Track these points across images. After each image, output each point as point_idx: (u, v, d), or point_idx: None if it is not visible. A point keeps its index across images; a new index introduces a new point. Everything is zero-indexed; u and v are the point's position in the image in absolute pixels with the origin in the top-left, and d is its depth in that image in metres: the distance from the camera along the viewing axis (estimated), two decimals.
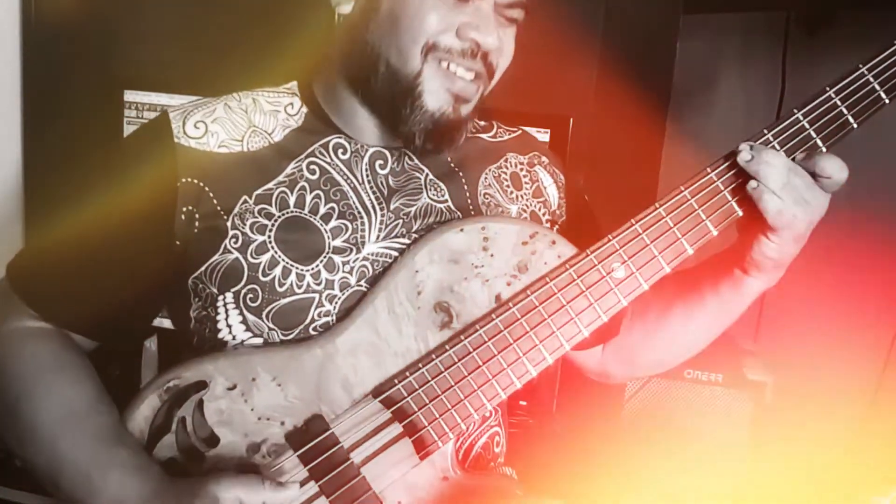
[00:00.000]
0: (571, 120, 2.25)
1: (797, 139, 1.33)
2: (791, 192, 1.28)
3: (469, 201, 1.52)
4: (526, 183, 1.59)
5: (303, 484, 1.32)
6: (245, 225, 1.39)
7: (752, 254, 1.36)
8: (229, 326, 1.40)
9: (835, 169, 1.29)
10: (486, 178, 1.55)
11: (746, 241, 1.36)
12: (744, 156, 1.30)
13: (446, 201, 1.50)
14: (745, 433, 2.42)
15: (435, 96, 1.38)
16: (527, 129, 1.74)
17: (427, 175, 1.50)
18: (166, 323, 2.14)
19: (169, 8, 2.56)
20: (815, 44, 2.60)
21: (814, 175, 1.30)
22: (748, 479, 2.40)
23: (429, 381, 1.34)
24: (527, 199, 1.58)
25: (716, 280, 1.46)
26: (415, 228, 1.46)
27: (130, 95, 2.43)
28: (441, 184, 1.51)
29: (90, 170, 1.50)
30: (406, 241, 1.44)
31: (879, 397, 2.68)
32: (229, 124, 1.44)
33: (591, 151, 2.35)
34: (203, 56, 2.51)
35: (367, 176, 1.46)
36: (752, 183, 1.30)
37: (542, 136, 2.24)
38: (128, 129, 2.44)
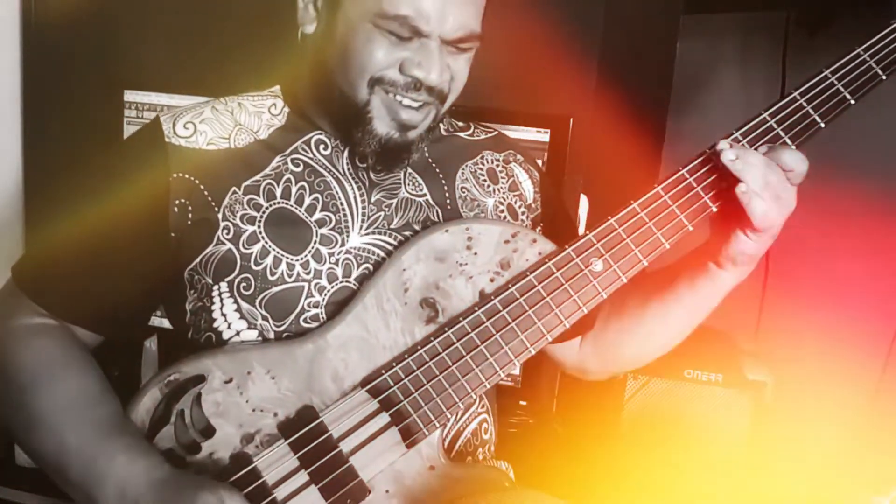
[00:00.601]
0: (571, 120, 2.25)
1: (766, 138, 1.38)
2: (769, 191, 1.32)
3: (447, 195, 1.56)
4: (502, 178, 1.63)
5: (293, 473, 1.35)
6: (235, 216, 1.44)
7: (727, 250, 1.40)
8: (224, 315, 1.44)
9: (796, 161, 1.34)
10: (462, 173, 1.60)
11: (721, 238, 1.40)
12: (728, 155, 1.33)
13: (425, 195, 1.55)
14: (745, 433, 2.41)
15: (382, 123, 1.42)
16: (527, 129, 1.76)
17: (406, 170, 1.55)
18: (166, 323, 2.15)
19: (169, 8, 2.57)
20: (815, 44, 2.60)
21: None
22: (748, 478, 2.39)
23: (414, 371, 1.38)
24: (503, 193, 1.62)
25: (691, 275, 1.50)
26: (395, 222, 1.51)
27: (130, 95, 2.44)
28: (419, 178, 1.56)
29: (88, 172, 1.54)
30: (388, 238, 1.49)
31: (879, 397, 2.67)
32: (216, 124, 1.50)
33: (591, 151, 2.35)
34: (203, 56, 2.52)
35: (349, 169, 1.51)
36: (742, 186, 1.32)
37: (542, 136, 2.24)
38: (128, 129, 2.44)
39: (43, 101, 2.69)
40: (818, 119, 1.37)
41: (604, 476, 2.46)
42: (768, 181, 1.32)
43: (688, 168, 1.39)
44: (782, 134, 1.37)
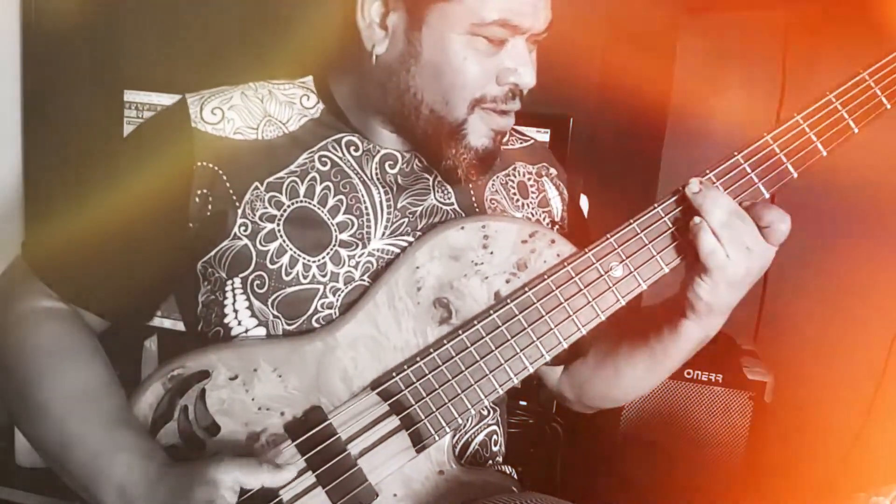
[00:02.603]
0: (571, 120, 2.25)
1: (739, 182, 1.32)
2: (730, 234, 1.27)
3: (475, 205, 1.53)
4: (533, 192, 1.61)
5: (300, 474, 1.33)
6: (255, 214, 1.41)
7: (686, 292, 1.33)
8: (235, 311, 1.42)
9: (774, 217, 1.28)
10: (493, 184, 1.56)
11: (686, 281, 1.34)
12: (692, 187, 1.30)
13: (452, 204, 1.51)
14: (745, 433, 2.42)
15: (478, 136, 1.40)
16: (528, 129, 1.75)
17: (436, 177, 1.51)
18: (167, 323, 2.14)
19: (169, 8, 2.57)
20: (815, 44, 2.60)
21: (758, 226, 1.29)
22: (748, 478, 2.40)
23: (426, 375, 1.35)
24: (532, 208, 1.59)
25: (659, 323, 1.43)
26: (420, 227, 1.47)
27: (130, 95, 2.45)
28: (448, 186, 1.51)
29: (109, 152, 1.52)
30: (410, 238, 1.46)
31: (879, 397, 2.68)
32: (245, 112, 1.45)
33: (591, 151, 2.36)
34: (203, 56, 2.52)
35: (377, 173, 1.47)
36: (696, 219, 1.29)
37: (542, 136, 2.25)
38: (128, 129, 2.45)
39: (43, 101, 2.69)
40: (791, 168, 1.33)
41: (604, 476, 2.47)
42: (731, 224, 1.27)
43: (716, 171, 1.33)
44: (756, 179, 1.32)
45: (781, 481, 2.44)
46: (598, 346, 1.58)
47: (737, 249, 1.27)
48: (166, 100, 2.39)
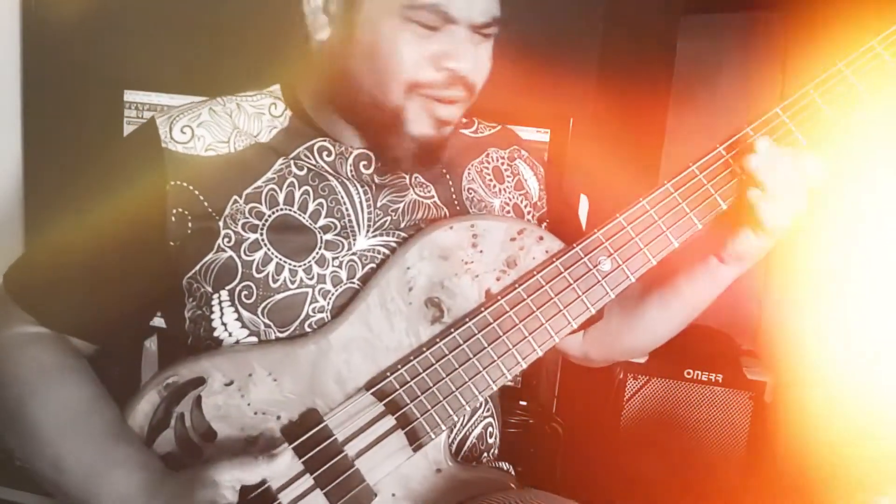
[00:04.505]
0: (571, 120, 2.25)
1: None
2: (787, 198, 1.31)
3: (454, 196, 1.54)
4: (508, 176, 1.61)
5: (298, 477, 1.33)
6: (237, 225, 1.39)
7: (733, 246, 1.39)
8: (224, 324, 1.40)
9: (818, 169, 1.31)
10: (469, 173, 1.57)
11: (727, 234, 1.39)
12: (752, 161, 1.31)
13: (432, 197, 1.51)
14: (745, 433, 2.42)
15: (418, 124, 1.38)
16: (527, 129, 1.75)
17: (412, 173, 1.51)
18: None
19: (168, 8, 2.57)
20: (815, 44, 2.60)
21: None
22: (748, 478, 2.39)
23: (420, 374, 1.36)
24: (509, 192, 1.60)
25: (690, 270, 1.50)
26: (403, 224, 1.47)
27: (130, 95, 2.44)
28: (426, 180, 1.52)
29: (83, 178, 1.50)
30: (395, 238, 1.46)
31: (879, 396, 2.67)
32: (215, 128, 1.44)
33: (591, 151, 2.35)
34: (203, 56, 2.52)
35: (353, 174, 1.47)
36: (755, 191, 1.32)
37: (542, 135, 2.25)
38: (128, 129, 2.44)
39: (43, 101, 2.69)
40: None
41: (604, 476, 2.47)
42: (788, 186, 1.31)
43: (698, 164, 1.36)
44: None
45: (781, 481, 2.43)
46: (622, 304, 1.61)
47: (791, 207, 1.33)
48: (166, 100, 2.39)
